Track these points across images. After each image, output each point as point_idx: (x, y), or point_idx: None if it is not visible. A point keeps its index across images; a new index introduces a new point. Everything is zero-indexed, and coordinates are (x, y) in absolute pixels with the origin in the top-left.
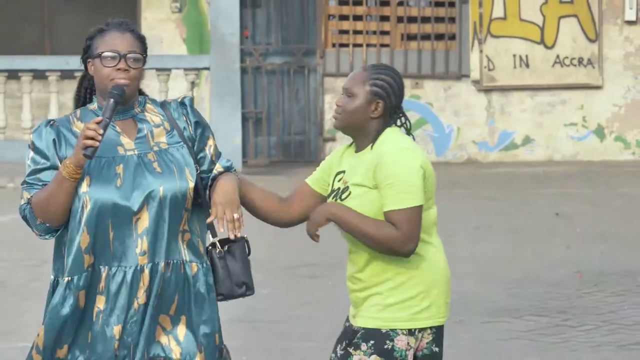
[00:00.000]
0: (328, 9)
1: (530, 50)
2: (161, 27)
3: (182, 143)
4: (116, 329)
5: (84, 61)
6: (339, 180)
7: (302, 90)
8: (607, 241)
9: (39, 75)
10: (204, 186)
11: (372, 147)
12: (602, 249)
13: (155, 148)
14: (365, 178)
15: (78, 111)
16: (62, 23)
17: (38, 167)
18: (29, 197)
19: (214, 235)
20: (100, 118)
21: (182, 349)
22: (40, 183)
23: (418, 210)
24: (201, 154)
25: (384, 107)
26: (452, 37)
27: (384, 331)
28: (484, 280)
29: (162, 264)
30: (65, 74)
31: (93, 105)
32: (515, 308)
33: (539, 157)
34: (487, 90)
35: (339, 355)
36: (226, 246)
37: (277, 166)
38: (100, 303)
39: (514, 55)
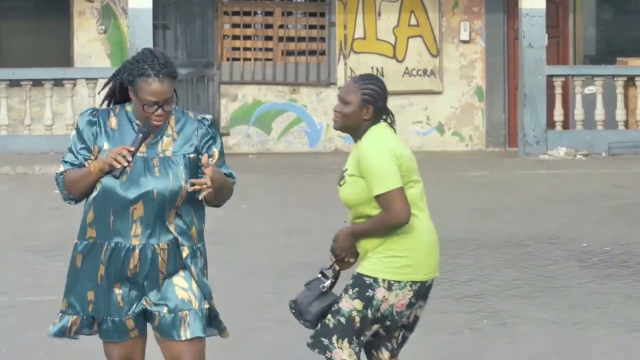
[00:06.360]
0: (223, 30)
1: (385, 63)
2: (90, 45)
3: (187, 153)
4: (116, 289)
5: (128, 81)
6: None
7: (202, 94)
8: (447, 214)
9: None
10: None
11: (357, 143)
12: (443, 220)
13: (161, 155)
14: (354, 169)
15: (117, 108)
16: (9, 42)
17: (77, 147)
18: (63, 170)
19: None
20: (132, 148)
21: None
22: (77, 162)
23: (397, 191)
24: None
25: (373, 111)
26: (323, 53)
27: (367, 281)
28: None
29: (156, 246)
30: (13, 83)
31: (129, 107)
32: None
33: None
34: None
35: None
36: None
37: None
38: (102, 270)
39: (372, 67)
